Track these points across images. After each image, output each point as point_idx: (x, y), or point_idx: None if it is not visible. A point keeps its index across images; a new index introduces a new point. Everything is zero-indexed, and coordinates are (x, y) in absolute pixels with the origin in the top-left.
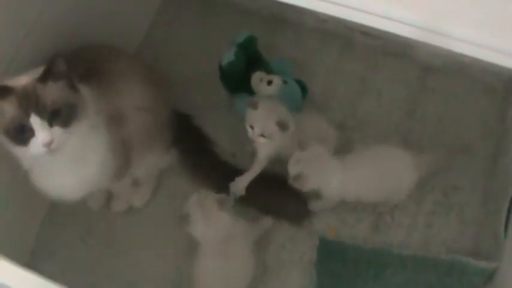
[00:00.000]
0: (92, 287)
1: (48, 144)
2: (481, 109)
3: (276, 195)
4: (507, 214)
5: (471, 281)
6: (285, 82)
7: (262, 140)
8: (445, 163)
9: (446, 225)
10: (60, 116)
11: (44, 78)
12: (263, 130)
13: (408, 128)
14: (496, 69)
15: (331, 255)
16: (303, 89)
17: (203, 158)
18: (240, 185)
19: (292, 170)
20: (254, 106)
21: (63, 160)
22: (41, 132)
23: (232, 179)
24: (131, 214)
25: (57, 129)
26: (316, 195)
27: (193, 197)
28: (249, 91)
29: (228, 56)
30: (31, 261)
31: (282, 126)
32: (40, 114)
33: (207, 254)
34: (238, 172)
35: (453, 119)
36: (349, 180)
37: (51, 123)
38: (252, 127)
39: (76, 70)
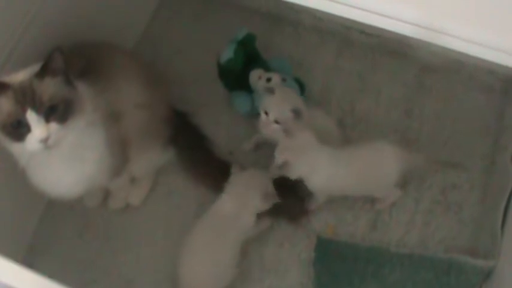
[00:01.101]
0: (89, 284)
1: (44, 140)
2: (478, 108)
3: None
4: (504, 212)
5: (469, 280)
6: (283, 80)
7: (275, 126)
8: (430, 167)
9: (444, 223)
10: (56, 112)
11: (41, 73)
12: (278, 116)
13: (406, 126)
14: (493, 68)
15: (329, 254)
16: (301, 87)
17: (200, 156)
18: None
19: (279, 157)
20: (271, 92)
21: (60, 157)
22: (37, 128)
23: (229, 177)
24: (129, 211)
25: (53, 125)
26: (309, 193)
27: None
28: (248, 89)
29: (227, 54)
30: (28, 258)
31: (297, 113)
32: (36, 109)
33: (199, 239)
34: None
35: (451, 117)
36: (337, 173)
37: (47, 119)
38: (266, 113)
39: (74, 67)
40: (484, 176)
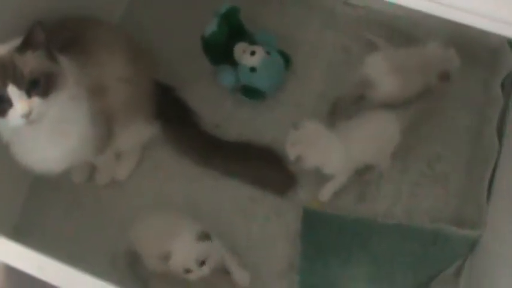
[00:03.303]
0: (77, 260)
1: (26, 115)
2: (464, 79)
3: (261, 166)
4: (490, 183)
5: (455, 250)
6: (268, 53)
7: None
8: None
9: (431, 194)
10: (38, 86)
11: (22, 48)
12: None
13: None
14: (480, 39)
15: (316, 226)
16: (286, 60)
17: (187, 130)
18: None
19: (291, 153)
20: None
21: (44, 132)
22: (19, 102)
23: (215, 150)
24: (116, 186)
25: (35, 100)
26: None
27: None
28: (232, 62)
29: (211, 27)
30: (15, 236)
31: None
32: (18, 84)
33: None
34: (221, 143)
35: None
36: (348, 148)
37: (29, 94)
38: None
39: (57, 41)
40: (469, 147)
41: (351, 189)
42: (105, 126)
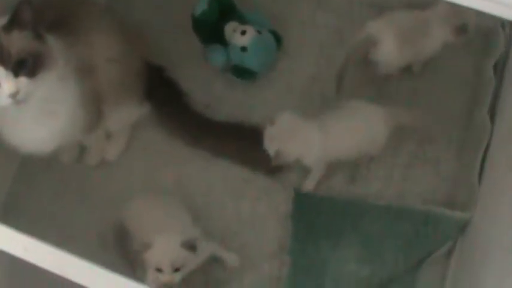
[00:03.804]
0: (66, 241)
1: (13, 95)
2: (457, 62)
3: (252, 147)
4: (481, 165)
5: (446, 231)
6: (259, 32)
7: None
8: (416, 120)
9: (422, 177)
10: (25, 66)
11: (8, 27)
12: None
13: (383, 80)
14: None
15: (307, 207)
16: (278, 40)
17: (177, 110)
18: None
19: (270, 148)
20: None
21: (31, 112)
22: (6, 82)
23: (206, 131)
24: (105, 167)
25: (22, 80)
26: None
27: None
28: (223, 42)
29: (201, 6)
30: (3, 217)
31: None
32: (5, 64)
33: None
34: (212, 123)
35: (429, 71)
36: (328, 140)
37: (16, 74)
38: None
39: (44, 20)
40: (461, 129)
41: (342, 172)
42: (94, 107)
